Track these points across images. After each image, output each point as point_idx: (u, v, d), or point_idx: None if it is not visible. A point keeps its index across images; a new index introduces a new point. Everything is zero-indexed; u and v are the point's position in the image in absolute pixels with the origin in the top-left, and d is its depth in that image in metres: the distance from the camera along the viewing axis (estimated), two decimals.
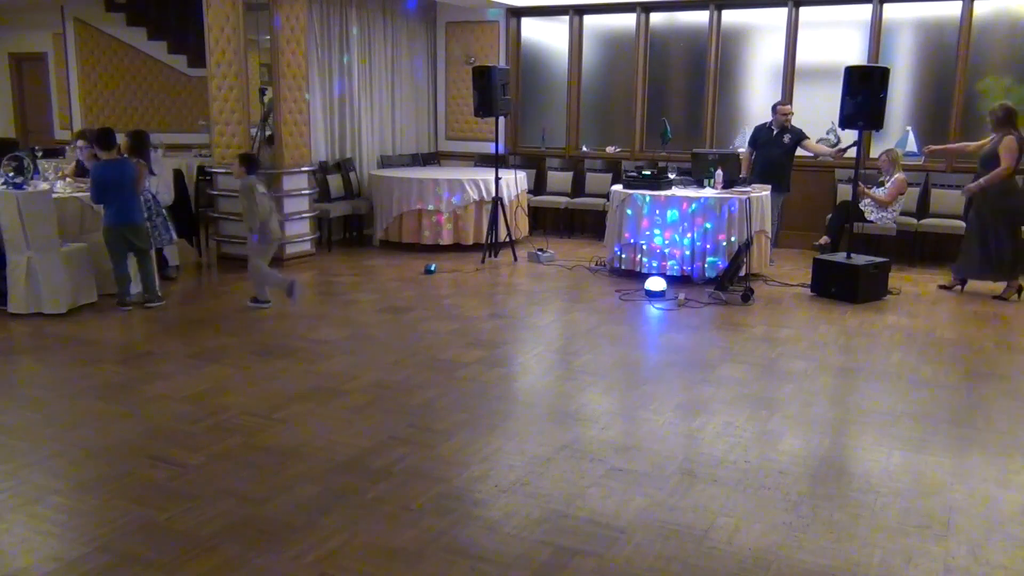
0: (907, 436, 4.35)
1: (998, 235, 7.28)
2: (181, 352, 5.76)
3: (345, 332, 6.25)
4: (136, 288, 6.98)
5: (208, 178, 9.08)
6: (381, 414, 4.59)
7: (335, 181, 9.79)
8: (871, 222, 8.55)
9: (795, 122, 9.10)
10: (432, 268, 8.37)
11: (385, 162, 10.66)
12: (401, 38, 10.92)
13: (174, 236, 7.65)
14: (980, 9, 8.94)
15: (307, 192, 8.96)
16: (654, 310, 6.99)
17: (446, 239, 9.40)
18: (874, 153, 9.39)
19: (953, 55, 9.09)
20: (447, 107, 11.70)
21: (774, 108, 8.82)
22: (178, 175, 8.47)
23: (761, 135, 8.86)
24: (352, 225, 10.20)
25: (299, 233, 8.89)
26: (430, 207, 9.34)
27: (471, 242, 9.41)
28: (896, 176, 8.45)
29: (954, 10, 9.03)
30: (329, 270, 8.57)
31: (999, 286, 7.43)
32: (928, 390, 5.06)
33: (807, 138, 8.77)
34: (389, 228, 9.62)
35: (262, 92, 8.82)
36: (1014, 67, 8.96)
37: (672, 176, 8.35)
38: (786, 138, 8.70)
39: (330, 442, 4.19)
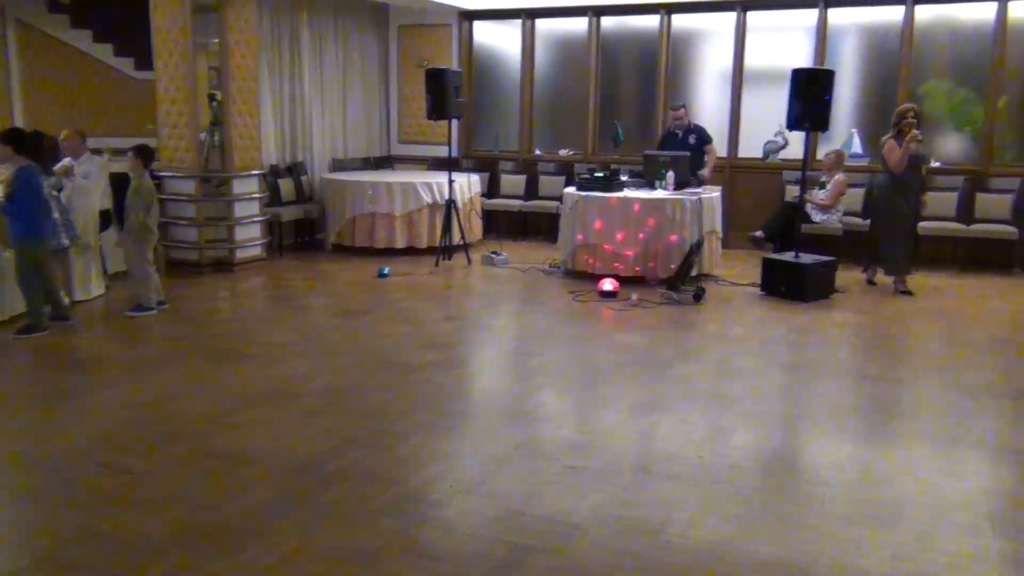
0: (855, 429, 4.44)
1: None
2: (129, 358, 5.64)
3: (298, 336, 6.18)
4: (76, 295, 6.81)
5: (157, 182, 8.90)
6: (336, 417, 4.55)
7: (286, 185, 9.69)
8: (816, 223, 8.71)
9: (745, 124, 9.27)
10: (386, 271, 8.32)
11: (337, 166, 10.58)
12: (352, 41, 10.86)
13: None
14: (921, 14, 9.18)
15: (257, 196, 8.85)
16: (608, 310, 7.04)
17: (400, 242, 9.36)
18: (820, 155, 9.58)
19: (896, 59, 9.32)
20: (400, 110, 11.65)
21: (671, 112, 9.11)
22: (124, 179, 8.29)
23: (669, 140, 9.05)
24: (304, 229, 10.10)
25: (250, 238, 8.77)
26: (383, 210, 9.29)
27: (425, 245, 9.38)
28: (836, 177, 8.61)
29: (897, 15, 9.25)
30: (281, 275, 8.47)
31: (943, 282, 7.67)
32: (875, 385, 5.17)
33: (711, 142, 8.98)
34: (342, 232, 9.55)
35: (212, 97, 8.69)
36: (955, 70, 9.21)
37: (624, 178, 8.42)
38: (691, 139, 8.89)
39: (284, 446, 4.14)
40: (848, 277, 8.13)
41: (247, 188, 8.70)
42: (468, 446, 4.18)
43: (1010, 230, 8.57)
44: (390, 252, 9.29)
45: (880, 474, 3.89)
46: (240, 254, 8.63)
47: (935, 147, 9.21)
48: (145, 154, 6.63)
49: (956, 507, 3.56)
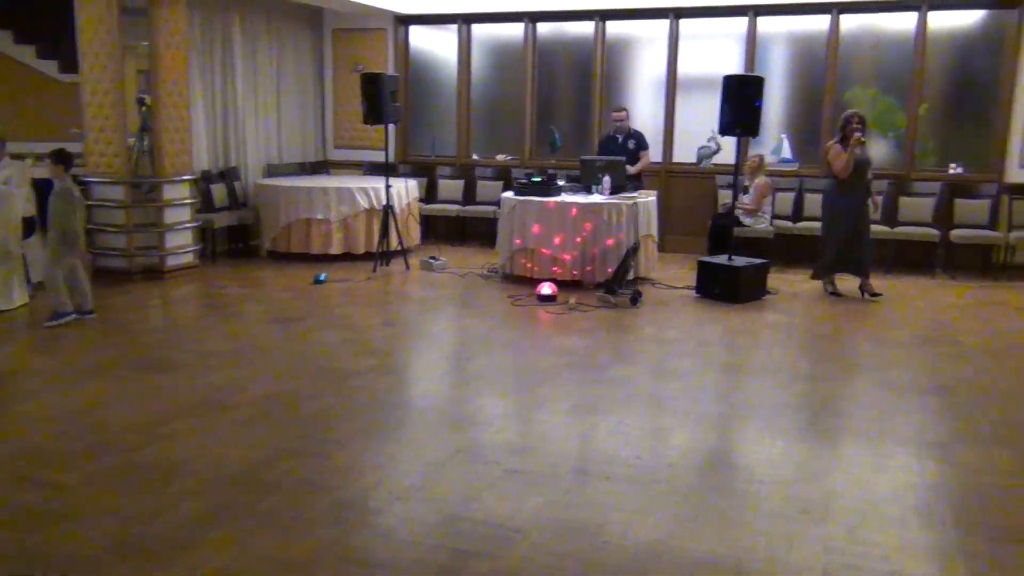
0: (788, 427, 4.54)
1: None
2: (55, 369, 5.46)
3: (232, 344, 6.06)
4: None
5: (83, 187, 8.64)
6: (271, 426, 4.47)
7: (219, 191, 9.51)
8: (746, 226, 8.88)
9: (679, 130, 9.42)
10: (322, 278, 8.22)
11: (272, 171, 10.42)
12: (286, 44, 10.72)
13: None
14: (846, 24, 9.46)
15: (189, 202, 8.66)
16: (545, 314, 7.07)
17: (336, 248, 9.26)
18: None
19: (823, 66, 9.58)
20: (335, 115, 11.54)
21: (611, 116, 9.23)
22: (48, 185, 8.03)
23: (609, 143, 9.15)
24: (238, 236, 9.92)
25: (181, 244, 8.57)
26: (319, 216, 9.18)
27: (362, 251, 9.30)
28: (757, 181, 8.78)
29: (823, 24, 9.52)
30: (214, 282, 8.30)
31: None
32: (806, 383, 5.30)
33: (647, 149, 9.12)
34: (277, 238, 9.41)
35: (141, 101, 8.48)
36: (879, 78, 9.51)
37: (561, 183, 8.48)
38: (631, 144, 9.02)
39: (217, 456, 4.05)
40: (780, 279, 8.32)
41: (178, 194, 8.50)
42: (407, 452, 4.15)
43: (933, 232, 8.87)
44: (326, 258, 9.18)
45: (812, 470, 3.98)
46: (171, 261, 8.43)
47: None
48: (64, 158, 6.44)
49: (884, 500, 3.66)
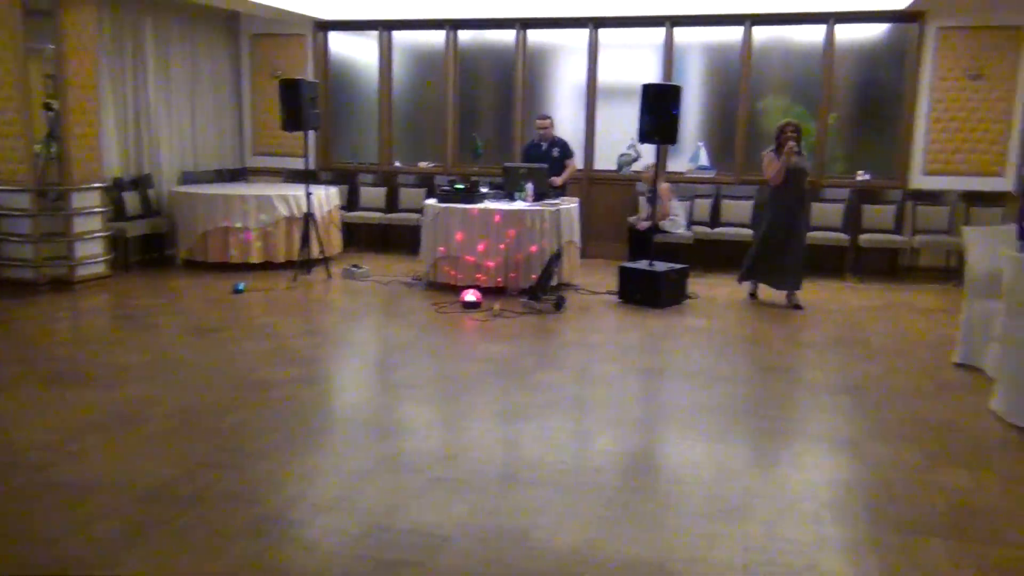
0: (708, 428, 4.63)
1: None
2: None
3: (146, 356, 5.88)
4: None
5: None
6: (188, 439, 4.35)
7: (132, 199, 9.22)
8: (665, 232, 9.02)
9: (600, 138, 9.53)
10: (241, 287, 8.05)
11: (187, 178, 10.16)
12: (201, 49, 10.48)
13: None
14: (758, 35, 9.75)
15: (100, 210, 8.37)
16: (470, 321, 7.07)
17: (255, 257, 9.08)
18: (675, 167, 10.01)
19: (737, 76, 9.85)
20: (253, 121, 11.33)
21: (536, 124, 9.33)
22: None
23: (532, 151, 9.23)
24: (153, 245, 9.64)
25: (91, 254, 8.28)
26: (237, 224, 8.99)
27: (282, 260, 9.14)
28: (660, 188, 8.87)
29: (736, 35, 9.78)
30: (127, 293, 8.04)
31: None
32: (726, 385, 5.42)
33: (572, 157, 9.23)
34: (193, 247, 9.17)
35: (47, 107, 8.16)
36: (790, 88, 9.82)
37: (484, 189, 8.50)
38: (555, 151, 9.11)
39: (131, 472, 3.92)
40: (699, 284, 8.50)
41: (88, 202, 8.21)
42: (330, 462, 4.08)
43: (842, 237, 9.20)
44: (245, 267, 8.99)
45: (731, 470, 4.07)
46: (81, 272, 8.14)
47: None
48: None
49: (800, 498, 3.77)
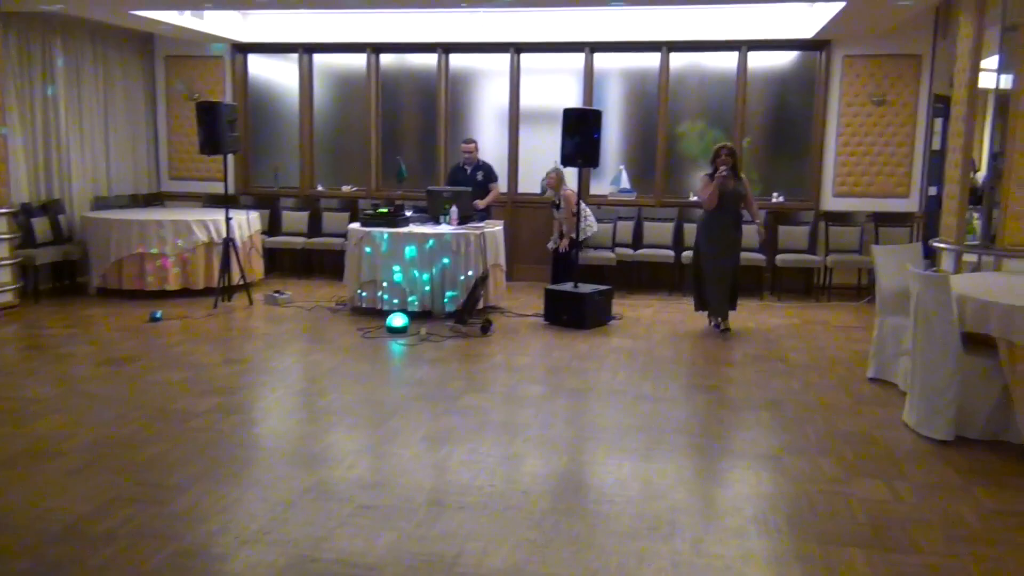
0: (635, 447, 4.68)
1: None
2: None
3: (57, 388, 5.65)
4: None
5: None
6: (102, 474, 4.18)
7: (41, 224, 8.88)
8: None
9: (523, 161, 9.59)
10: (158, 315, 7.81)
11: (100, 203, 9.84)
12: (114, 70, 10.20)
13: None
14: (675, 61, 10.00)
15: (6, 237, 8.04)
16: (396, 346, 7.01)
17: (173, 284, 8.84)
18: (597, 190, 10.16)
19: (655, 101, 10.07)
20: (169, 145, 11.07)
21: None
22: None
23: (458, 174, 9.28)
24: (64, 272, 9.29)
25: None
26: (153, 250, 8.74)
27: (201, 286, 8.91)
28: (564, 193, 8.95)
29: (654, 61, 10.02)
30: (37, 322, 7.72)
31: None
32: (651, 404, 5.49)
33: (496, 181, 9.31)
34: (107, 275, 8.88)
35: None
36: (706, 112, 10.08)
37: (409, 213, 8.47)
38: (479, 175, 9.18)
39: (42, 510, 3.74)
40: (623, 304, 8.62)
41: None
42: (253, 494, 3.98)
43: (760, 257, 9.45)
44: (163, 295, 8.75)
45: (658, 487, 4.12)
46: None
47: (693, 184, 10.02)
48: None
49: (726, 513, 3.84)
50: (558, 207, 8.88)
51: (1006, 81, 6.30)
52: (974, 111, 6.62)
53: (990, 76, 6.65)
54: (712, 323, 7.78)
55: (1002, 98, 6.36)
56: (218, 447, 4.59)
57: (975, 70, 6.50)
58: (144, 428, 4.86)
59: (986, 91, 7.67)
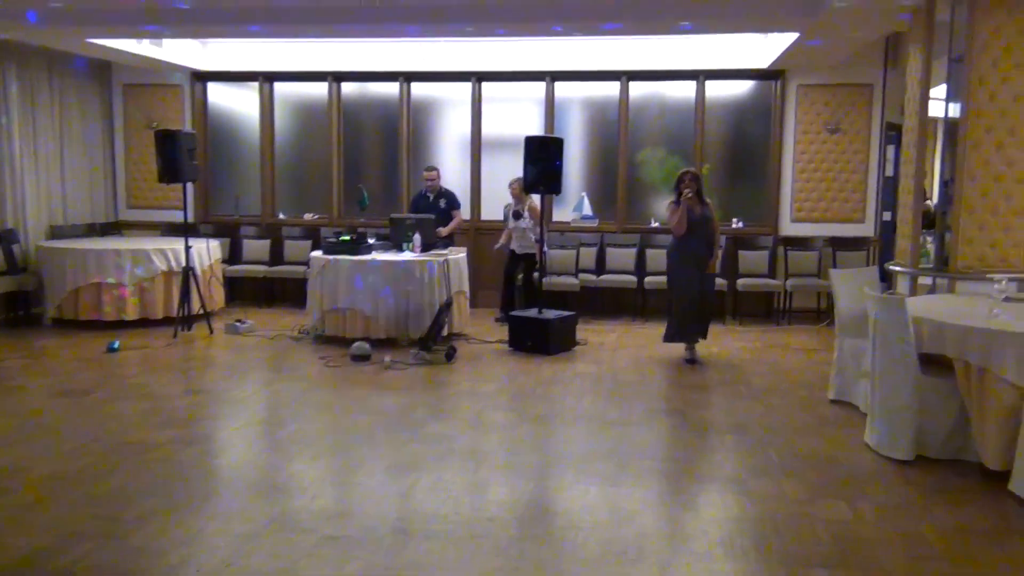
0: (601, 473, 4.68)
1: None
2: None
3: (11, 421, 5.50)
4: None
5: None
6: (58, 508, 4.07)
7: None
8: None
9: (486, 188, 9.62)
10: (115, 346, 7.67)
11: (56, 233, 9.68)
12: (71, 99, 10.07)
13: None
14: (635, 90, 10.15)
15: None
16: (360, 374, 6.95)
17: (131, 314, 8.69)
18: (560, 216, 10.23)
19: (616, 129, 10.20)
20: (127, 174, 10.94)
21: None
22: None
23: (420, 202, 9.30)
24: (18, 303, 9.08)
25: None
26: (111, 280, 8.60)
27: (161, 316, 8.79)
28: (529, 204, 8.98)
29: (614, 90, 10.16)
30: None
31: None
32: (617, 429, 5.50)
33: (458, 208, 9.35)
34: (63, 305, 8.71)
35: None
36: (666, 140, 10.22)
37: (371, 241, 8.44)
38: (442, 202, 9.21)
39: None
40: (588, 330, 8.65)
41: None
42: (214, 526, 3.90)
43: (721, 281, 9.53)
44: (121, 325, 8.60)
45: (625, 513, 4.12)
46: None
47: (653, 209, 10.14)
48: None
49: (692, 536, 3.85)
50: (519, 216, 8.95)
51: (954, 110, 6.47)
52: (924, 139, 6.80)
53: (939, 105, 6.83)
54: (688, 356, 7.53)
55: (951, 126, 6.53)
56: (178, 479, 4.50)
57: (924, 99, 6.68)
58: (101, 461, 4.75)
59: (935, 119, 7.87)
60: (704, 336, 7.59)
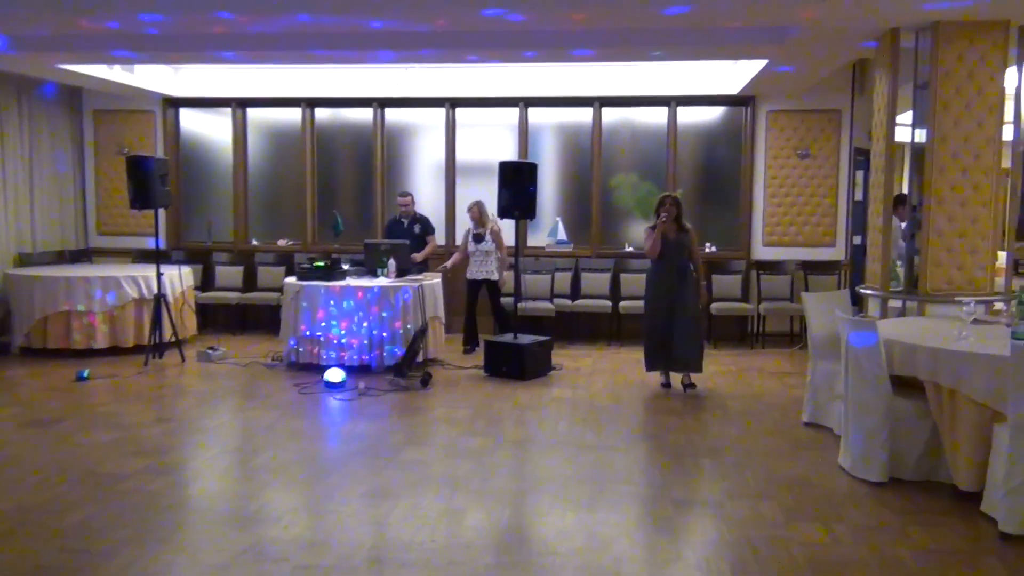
0: (578, 498, 4.66)
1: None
2: None
3: None
4: None
5: None
6: (25, 542, 3.98)
7: None
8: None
9: (461, 214, 9.62)
10: (84, 374, 7.55)
11: (24, 260, 9.54)
12: (41, 125, 9.98)
13: None
14: (607, 116, 10.24)
15: None
16: (335, 401, 6.89)
17: (101, 342, 8.57)
18: (534, 241, 10.26)
19: (589, 154, 10.27)
20: (98, 200, 10.84)
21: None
22: None
23: (395, 227, 9.29)
24: None
25: None
26: (80, 307, 8.48)
27: (132, 344, 8.67)
28: (492, 228, 8.97)
29: (587, 116, 10.24)
30: None
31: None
32: (593, 453, 5.49)
33: (433, 233, 9.33)
34: (31, 334, 8.57)
35: None
36: (639, 166, 10.30)
37: (346, 267, 8.41)
38: (416, 228, 9.20)
39: None
40: (563, 355, 8.65)
41: None
42: (185, 557, 3.83)
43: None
44: (90, 353, 8.47)
45: (602, 538, 4.10)
46: None
47: (627, 234, 10.20)
48: None
49: (670, 560, 3.83)
50: (480, 239, 8.86)
51: (920, 135, 6.60)
52: (892, 163, 6.91)
53: (905, 130, 6.96)
54: (663, 381, 7.46)
55: (917, 151, 6.65)
56: (148, 510, 4.42)
57: (891, 125, 6.80)
58: (69, 492, 4.66)
59: (903, 144, 8.01)
60: (686, 368, 7.23)
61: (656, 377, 7.58)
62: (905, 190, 7.46)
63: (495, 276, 8.92)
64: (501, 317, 8.93)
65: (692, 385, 7.29)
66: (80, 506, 4.45)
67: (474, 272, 8.95)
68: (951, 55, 6.33)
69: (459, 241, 9.53)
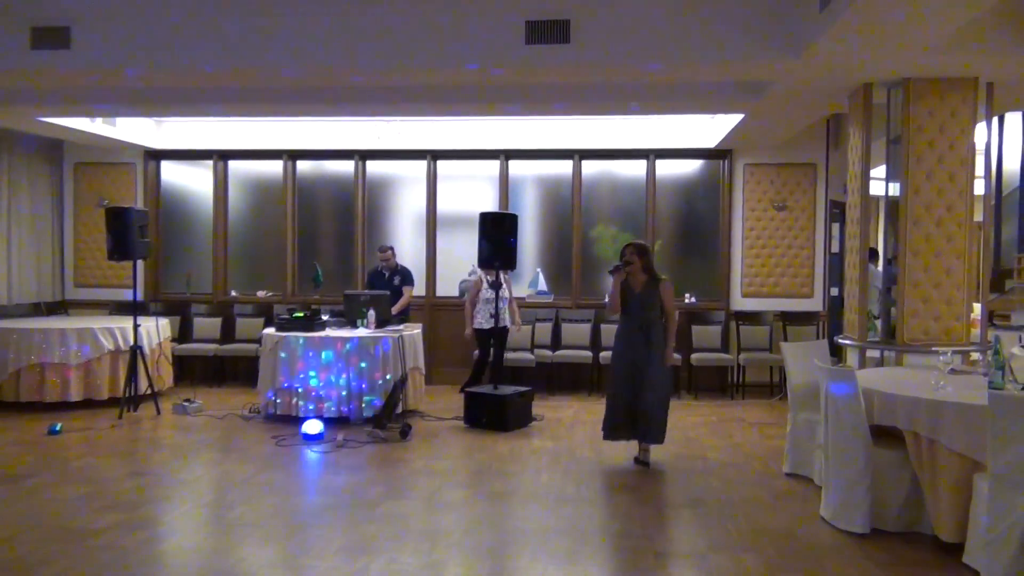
0: (558, 551, 4.59)
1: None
2: None
3: None
4: None
5: None
6: None
7: None
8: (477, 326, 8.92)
9: (442, 264, 9.62)
10: (57, 428, 7.42)
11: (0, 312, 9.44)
12: (20, 178, 9.96)
13: None
14: (587, 168, 10.37)
15: None
16: (312, 453, 6.80)
17: (75, 395, 8.44)
18: (515, 292, 10.25)
19: (569, 205, 10.37)
20: (75, 252, 10.78)
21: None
22: None
23: (376, 279, 9.28)
24: None
25: None
26: (54, 360, 8.37)
27: (106, 397, 8.55)
28: (506, 277, 8.92)
29: (567, 168, 10.36)
30: None
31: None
32: (574, 506, 5.43)
33: (411, 286, 9.29)
34: (4, 386, 8.43)
35: None
36: (618, 217, 10.41)
37: (325, 317, 8.37)
38: (396, 279, 9.21)
39: None
40: (544, 406, 8.61)
41: None
42: None
43: (676, 356, 9.60)
44: (64, 406, 8.34)
45: None
46: None
47: (608, 285, 10.21)
48: None
49: None
50: (499, 287, 8.53)
51: (894, 189, 6.72)
52: (867, 216, 7.02)
53: (880, 184, 7.08)
54: (635, 458, 6.48)
55: (891, 204, 6.76)
56: (121, 566, 4.32)
57: (865, 178, 6.92)
58: (39, 548, 4.54)
59: (877, 197, 8.15)
60: (644, 438, 6.35)
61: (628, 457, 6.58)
62: (880, 242, 7.56)
63: (510, 323, 8.95)
64: (498, 364, 8.82)
65: (646, 464, 6.37)
66: (48, 564, 4.33)
67: (490, 320, 8.63)
68: (922, 110, 6.48)
69: (453, 293, 9.53)
